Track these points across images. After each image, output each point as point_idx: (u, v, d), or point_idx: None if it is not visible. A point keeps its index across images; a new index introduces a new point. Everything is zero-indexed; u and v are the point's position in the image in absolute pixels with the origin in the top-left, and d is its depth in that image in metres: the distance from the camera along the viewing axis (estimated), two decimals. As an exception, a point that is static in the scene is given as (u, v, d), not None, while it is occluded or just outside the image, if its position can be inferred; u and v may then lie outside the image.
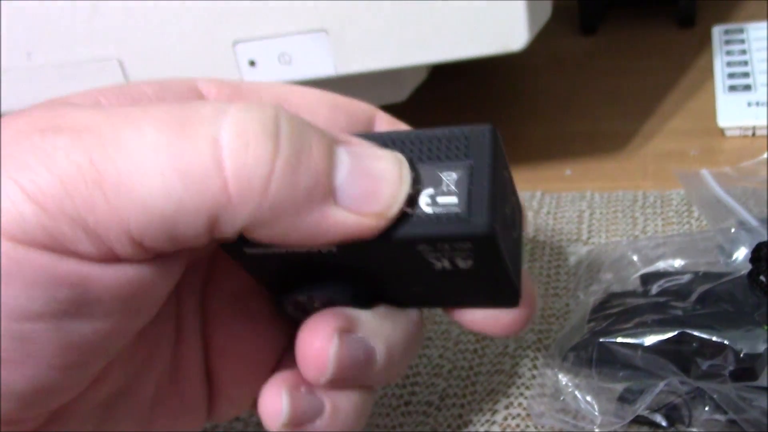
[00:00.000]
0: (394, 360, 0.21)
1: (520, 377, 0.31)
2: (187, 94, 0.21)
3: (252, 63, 0.37)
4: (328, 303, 0.21)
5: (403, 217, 0.17)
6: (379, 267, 0.19)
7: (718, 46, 0.51)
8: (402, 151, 0.18)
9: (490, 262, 0.18)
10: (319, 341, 0.20)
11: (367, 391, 0.22)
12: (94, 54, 0.37)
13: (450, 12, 0.34)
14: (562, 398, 0.28)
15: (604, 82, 0.54)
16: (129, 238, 0.16)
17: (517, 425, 0.29)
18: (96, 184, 0.15)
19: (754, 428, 0.25)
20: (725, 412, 0.25)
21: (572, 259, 0.36)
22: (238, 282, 0.23)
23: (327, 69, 0.36)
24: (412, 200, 0.18)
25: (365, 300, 0.21)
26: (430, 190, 0.18)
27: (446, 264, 0.18)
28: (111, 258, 0.16)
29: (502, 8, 0.34)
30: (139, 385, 0.21)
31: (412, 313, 0.22)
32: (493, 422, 0.29)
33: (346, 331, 0.20)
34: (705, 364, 0.25)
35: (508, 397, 0.30)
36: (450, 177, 0.17)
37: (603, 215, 0.40)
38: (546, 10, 0.39)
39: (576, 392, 0.27)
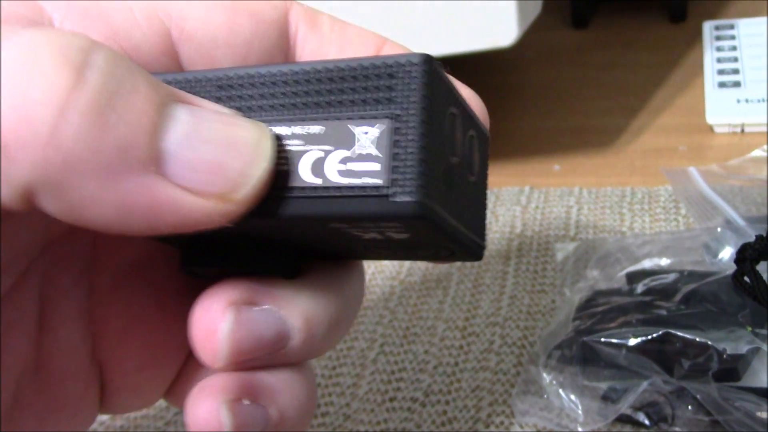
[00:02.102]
0: (318, 333, 0.17)
1: (505, 374, 0.31)
2: (30, 15, 0.16)
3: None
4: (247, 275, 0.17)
5: (303, 189, 0.14)
6: (295, 238, 0.16)
7: (708, 41, 0.51)
8: (296, 94, 0.14)
9: (431, 234, 0.14)
10: (207, 319, 0.16)
11: (291, 368, 0.18)
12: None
13: (439, 8, 0.34)
14: (545, 396, 0.28)
15: (594, 76, 0.54)
16: None
17: (501, 422, 0.29)
18: None
19: (736, 428, 0.25)
20: (708, 412, 0.25)
21: (559, 255, 0.36)
22: (137, 249, 0.19)
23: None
24: (317, 166, 0.14)
25: (293, 268, 0.17)
26: (342, 152, 0.13)
27: (376, 235, 0.15)
28: None
29: (491, 5, 0.34)
30: None
31: (349, 270, 0.18)
32: (478, 419, 0.29)
33: (247, 303, 0.16)
34: (688, 364, 0.25)
35: (492, 394, 0.30)
36: (367, 134, 0.13)
37: (591, 211, 0.40)
38: (536, 6, 0.39)
39: (560, 390, 0.28)
